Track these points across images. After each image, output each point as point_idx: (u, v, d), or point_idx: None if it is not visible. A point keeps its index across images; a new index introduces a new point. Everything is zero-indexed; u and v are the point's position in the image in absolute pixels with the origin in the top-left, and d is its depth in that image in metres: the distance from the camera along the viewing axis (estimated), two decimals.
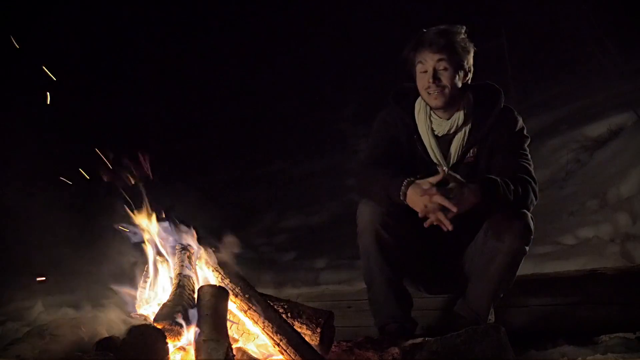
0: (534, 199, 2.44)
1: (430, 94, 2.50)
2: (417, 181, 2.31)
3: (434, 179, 2.28)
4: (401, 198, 2.33)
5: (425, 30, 2.53)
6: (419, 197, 2.27)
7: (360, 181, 2.62)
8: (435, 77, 2.47)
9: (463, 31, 2.52)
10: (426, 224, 2.28)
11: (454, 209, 2.22)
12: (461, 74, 2.52)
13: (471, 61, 2.55)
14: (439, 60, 2.47)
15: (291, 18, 12.66)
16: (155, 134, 11.10)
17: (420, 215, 2.29)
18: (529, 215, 2.42)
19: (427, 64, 2.49)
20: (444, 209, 2.23)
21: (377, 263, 2.50)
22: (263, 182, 9.29)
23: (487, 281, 2.46)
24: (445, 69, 2.48)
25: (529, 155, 2.54)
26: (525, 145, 2.57)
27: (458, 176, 2.31)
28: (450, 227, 2.24)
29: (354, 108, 10.91)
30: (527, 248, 2.43)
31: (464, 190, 2.26)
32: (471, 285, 2.52)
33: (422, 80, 2.52)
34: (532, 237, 2.43)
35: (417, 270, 2.68)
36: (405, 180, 2.33)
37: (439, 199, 2.23)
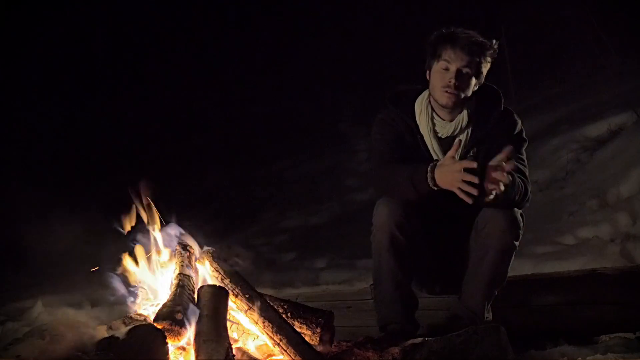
0: (526, 202, 2.49)
1: (445, 91, 2.50)
2: (440, 162, 2.33)
3: (453, 152, 2.31)
4: (429, 183, 2.33)
5: (457, 28, 2.53)
6: (450, 174, 2.28)
7: (378, 180, 2.60)
8: (457, 79, 2.48)
9: (495, 46, 2.53)
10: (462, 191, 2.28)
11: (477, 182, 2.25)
12: (477, 81, 2.54)
13: (486, 71, 2.57)
14: (466, 65, 2.48)
15: (292, 19, 12.68)
16: (156, 134, 11.12)
17: (451, 188, 2.29)
18: (518, 210, 2.45)
19: (452, 64, 2.48)
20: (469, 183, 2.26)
21: (388, 263, 2.50)
22: (263, 182, 9.28)
23: (480, 278, 2.48)
24: (468, 74, 2.49)
25: (525, 159, 2.58)
26: (523, 149, 2.59)
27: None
28: (475, 192, 2.25)
29: (354, 108, 10.91)
30: (516, 243, 2.45)
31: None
32: (465, 284, 2.53)
33: (441, 77, 2.51)
34: (521, 232, 2.46)
35: (424, 272, 2.69)
36: (429, 165, 2.34)
37: (468, 177, 2.24)
